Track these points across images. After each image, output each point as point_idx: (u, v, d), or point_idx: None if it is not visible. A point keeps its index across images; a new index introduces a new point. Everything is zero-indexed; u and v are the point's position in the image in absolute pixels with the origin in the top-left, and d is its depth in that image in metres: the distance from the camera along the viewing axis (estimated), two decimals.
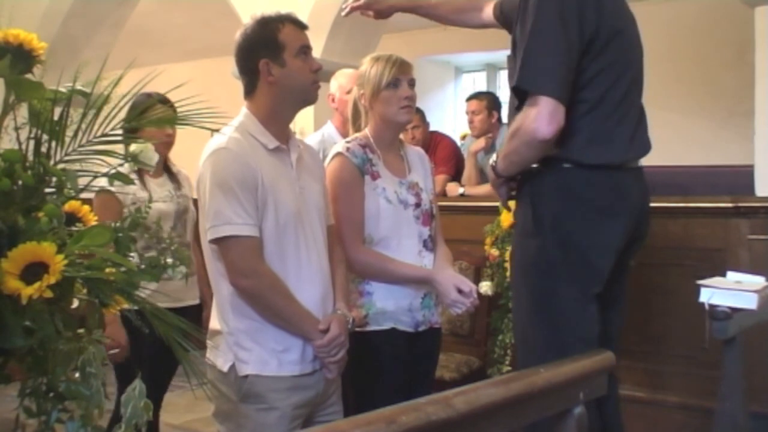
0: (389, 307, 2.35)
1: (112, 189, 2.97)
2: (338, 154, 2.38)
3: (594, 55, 2.05)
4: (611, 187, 2.10)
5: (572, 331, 2.08)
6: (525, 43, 2.04)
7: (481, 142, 4.61)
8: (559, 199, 2.10)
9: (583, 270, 2.09)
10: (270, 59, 2.08)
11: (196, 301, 3.09)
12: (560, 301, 2.09)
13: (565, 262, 2.08)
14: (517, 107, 2.10)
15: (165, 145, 3.01)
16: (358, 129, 2.47)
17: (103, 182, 1.33)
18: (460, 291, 2.30)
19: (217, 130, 2.22)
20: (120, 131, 1.29)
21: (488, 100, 4.70)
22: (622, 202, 2.11)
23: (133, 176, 2.87)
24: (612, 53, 2.08)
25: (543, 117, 1.98)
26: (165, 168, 3.12)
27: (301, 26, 2.15)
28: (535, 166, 2.14)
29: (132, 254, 1.24)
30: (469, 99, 4.80)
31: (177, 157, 3.19)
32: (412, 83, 2.40)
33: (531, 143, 2.03)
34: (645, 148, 2.21)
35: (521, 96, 2.07)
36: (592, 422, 1.78)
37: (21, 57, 1.20)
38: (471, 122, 4.67)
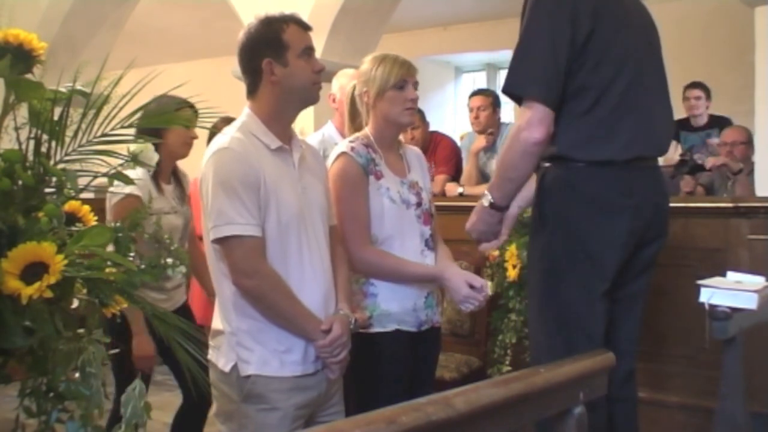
0: (393, 308, 2.34)
1: (138, 193, 2.97)
2: (342, 153, 2.36)
3: (591, 53, 2.05)
4: (614, 184, 2.09)
5: (578, 328, 2.09)
6: (516, 46, 2.07)
7: (482, 141, 4.59)
8: (562, 196, 2.11)
9: (588, 267, 2.09)
10: (273, 59, 2.07)
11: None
12: (566, 298, 2.10)
13: (570, 259, 2.09)
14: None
15: (186, 146, 2.98)
16: (357, 128, 2.46)
17: (103, 182, 1.33)
18: (471, 286, 2.30)
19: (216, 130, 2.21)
20: (120, 131, 1.29)
21: (493, 97, 4.70)
22: (627, 200, 2.09)
23: (151, 183, 2.87)
24: (611, 51, 2.07)
25: (532, 123, 2.02)
26: (173, 172, 3.07)
27: (305, 27, 2.15)
28: (547, 164, 2.15)
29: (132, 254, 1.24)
30: (473, 95, 4.78)
31: None
32: (416, 85, 2.41)
33: (525, 150, 2.05)
34: (655, 147, 2.19)
35: (514, 98, 2.11)
36: (597, 421, 1.78)
37: (21, 57, 1.20)
38: (477, 118, 4.64)
